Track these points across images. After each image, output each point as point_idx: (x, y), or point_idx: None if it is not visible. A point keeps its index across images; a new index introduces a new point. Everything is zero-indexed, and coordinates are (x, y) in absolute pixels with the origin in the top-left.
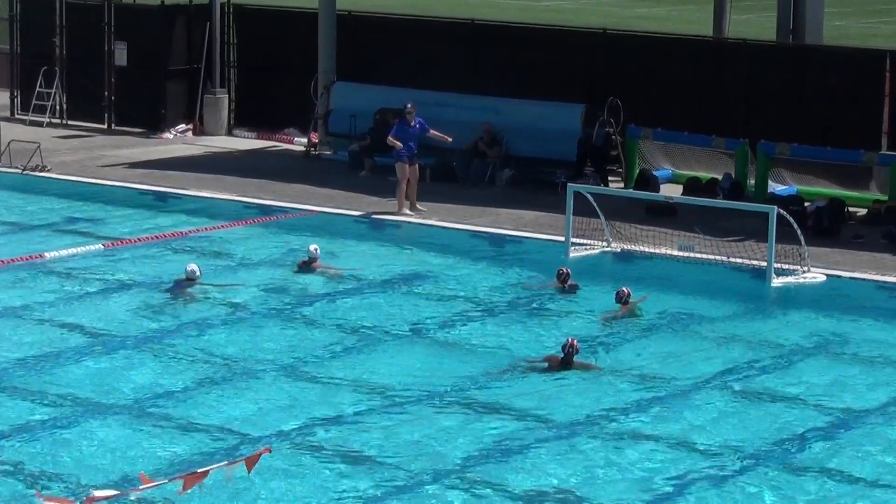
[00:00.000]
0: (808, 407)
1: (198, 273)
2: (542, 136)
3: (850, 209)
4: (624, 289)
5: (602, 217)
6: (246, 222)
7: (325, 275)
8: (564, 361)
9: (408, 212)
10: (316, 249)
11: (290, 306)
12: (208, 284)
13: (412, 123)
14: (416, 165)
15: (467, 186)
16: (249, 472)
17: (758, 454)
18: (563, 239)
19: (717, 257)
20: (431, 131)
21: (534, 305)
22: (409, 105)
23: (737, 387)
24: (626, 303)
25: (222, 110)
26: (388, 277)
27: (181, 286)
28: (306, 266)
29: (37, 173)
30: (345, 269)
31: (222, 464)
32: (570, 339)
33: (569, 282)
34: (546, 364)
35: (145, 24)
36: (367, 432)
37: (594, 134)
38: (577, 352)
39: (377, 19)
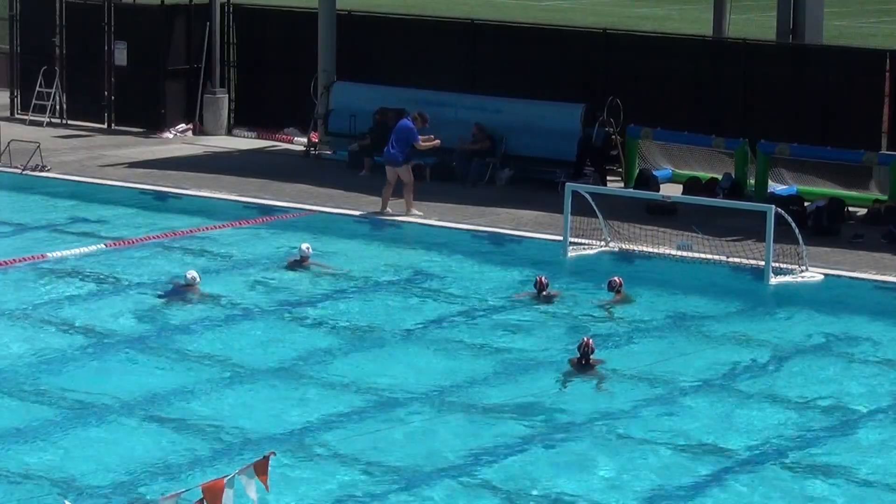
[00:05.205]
0: (806, 406)
1: (198, 280)
2: (542, 135)
3: (850, 209)
4: (616, 278)
5: (600, 217)
6: (245, 222)
7: (317, 273)
8: (581, 361)
9: (389, 210)
10: (308, 248)
11: (286, 306)
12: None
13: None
14: (400, 168)
15: (467, 186)
16: (267, 490)
17: (756, 454)
18: (562, 238)
19: (716, 257)
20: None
21: (533, 306)
22: (420, 113)
23: (733, 386)
24: (618, 292)
25: (222, 110)
26: (387, 277)
27: (180, 291)
28: (297, 264)
29: (37, 173)
30: (336, 267)
31: (234, 473)
32: (584, 339)
33: (545, 291)
34: (569, 365)
35: (145, 23)
36: (365, 433)
37: (594, 133)
38: (592, 350)
39: (377, 19)
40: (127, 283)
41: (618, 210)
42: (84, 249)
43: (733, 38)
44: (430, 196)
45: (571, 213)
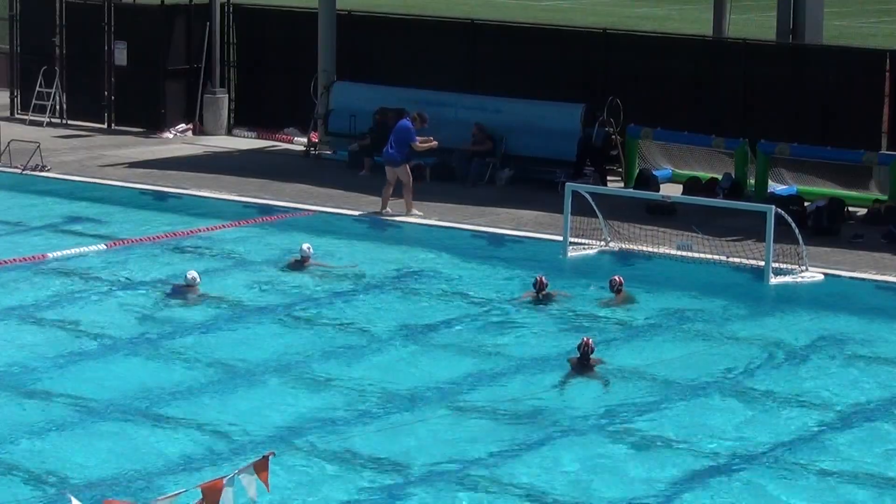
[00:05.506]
0: (806, 406)
1: (198, 280)
2: (542, 135)
3: (850, 209)
4: (616, 277)
5: (600, 216)
6: (245, 222)
7: (318, 273)
8: (581, 360)
9: (389, 210)
10: (308, 248)
11: (286, 305)
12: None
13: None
14: (399, 169)
15: (467, 186)
16: (268, 490)
17: (755, 454)
18: (562, 238)
19: (716, 257)
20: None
21: (533, 306)
22: (419, 113)
23: (733, 386)
24: (619, 291)
25: (222, 110)
26: (387, 277)
27: (180, 291)
28: (298, 265)
29: (37, 173)
30: (337, 267)
31: (234, 473)
32: (584, 339)
33: (545, 290)
34: (569, 365)
35: (145, 23)
36: (365, 433)
37: (594, 133)
38: (592, 350)
39: (377, 19)
40: (127, 283)
41: (618, 210)
42: (84, 249)
43: (733, 38)
44: (430, 196)
45: (571, 213)
